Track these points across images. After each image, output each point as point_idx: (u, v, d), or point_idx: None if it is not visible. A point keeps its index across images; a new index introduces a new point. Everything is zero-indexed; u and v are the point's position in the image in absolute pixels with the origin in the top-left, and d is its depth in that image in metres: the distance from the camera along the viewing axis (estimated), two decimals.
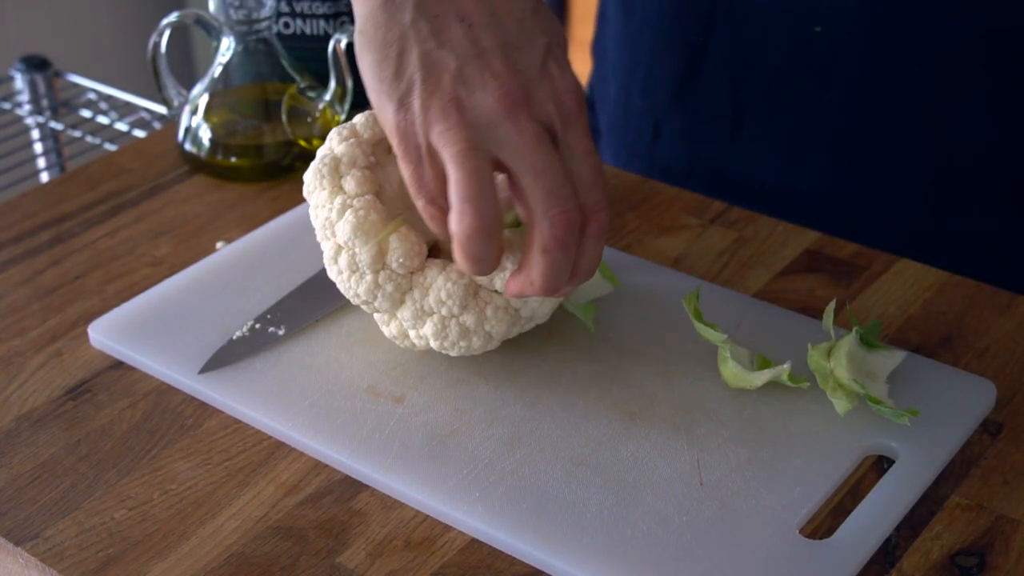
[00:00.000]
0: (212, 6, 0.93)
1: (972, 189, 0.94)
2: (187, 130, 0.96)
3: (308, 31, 1.00)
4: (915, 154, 0.94)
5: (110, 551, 0.65)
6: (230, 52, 0.95)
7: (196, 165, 0.96)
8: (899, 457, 0.69)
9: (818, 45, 0.93)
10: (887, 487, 0.67)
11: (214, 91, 0.96)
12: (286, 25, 1.00)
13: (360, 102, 1.01)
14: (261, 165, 0.96)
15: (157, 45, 0.94)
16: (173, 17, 0.94)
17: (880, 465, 0.70)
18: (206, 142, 0.96)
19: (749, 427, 0.71)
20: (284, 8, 1.00)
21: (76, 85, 1.32)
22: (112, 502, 0.68)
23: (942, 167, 0.94)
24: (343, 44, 0.93)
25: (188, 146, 0.96)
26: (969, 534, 0.66)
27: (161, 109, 1.25)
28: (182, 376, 0.76)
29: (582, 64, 2.61)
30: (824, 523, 0.66)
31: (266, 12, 0.94)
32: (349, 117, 0.93)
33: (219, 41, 0.95)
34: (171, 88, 0.96)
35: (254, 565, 0.65)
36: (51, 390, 0.76)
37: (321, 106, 0.95)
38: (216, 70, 0.95)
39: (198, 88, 0.96)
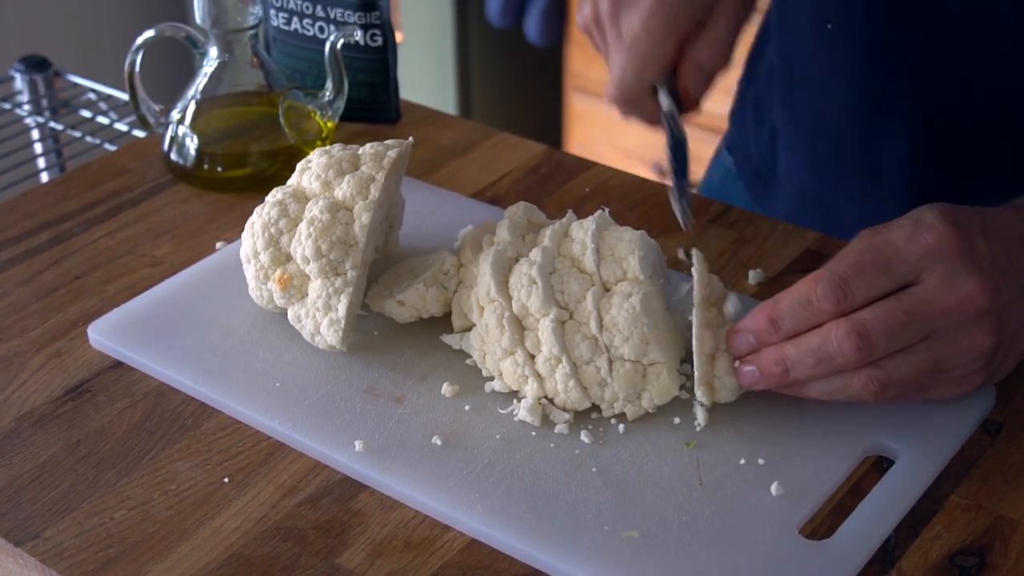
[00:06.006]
0: (197, 16, 0.92)
1: (975, 186, 0.93)
2: (172, 140, 0.96)
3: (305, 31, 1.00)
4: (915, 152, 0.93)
5: (110, 551, 0.65)
6: (215, 62, 0.94)
7: (181, 175, 0.96)
8: (899, 457, 0.69)
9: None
10: (887, 487, 0.67)
11: (199, 101, 0.95)
12: (287, 22, 1.00)
13: (353, 105, 1.01)
14: (246, 175, 0.95)
15: (132, 64, 0.93)
16: (150, 33, 0.93)
17: (880, 465, 0.69)
18: (191, 152, 0.95)
19: (749, 427, 0.71)
20: (279, 4, 1.00)
21: (76, 85, 1.32)
22: (112, 502, 0.68)
23: (943, 165, 0.93)
24: (340, 44, 0.93)
25: (173, 156, 0.96)
26: (969, 534, 0.66)
27: None
28: (182, 376, 0.76)
29: (583, 63, 2.61)
30: (824, 523, 0.66)
31: (251, 21, 0.93)
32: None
33: (204, 51, 0.94)
34: (147, 108, 0.96)
35: (254, 565, 0.65)
36: (51, 390, 0.76)
37: (319, 109, 0.95)
38: (201, 81, 0.95)
39: (183, 98, 0.96)
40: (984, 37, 0.86)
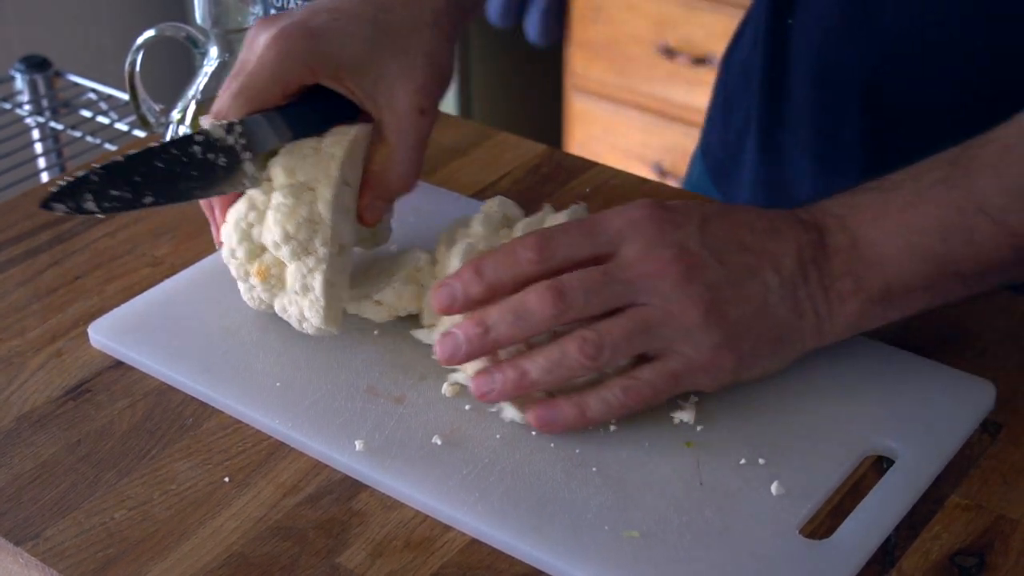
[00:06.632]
0: (198, 16, 0.92)
1: None
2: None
3: None
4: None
5: (110, 551, 0.65)
6: (215, 62, 0.94)
7: None
8: (899, 457, 0.69)
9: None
10: (887, 487, 0.67)
11: (199, 101, 0.95)
12: None
13: None
14: None
15: (133, 64, 0.93)
16: (151, 33, 0.93)
17: (880, 465, 0.70)
18: None
19: (749, 427, 0.71)
20: (280, 4, 1.00)
21: (76, 85, 1.33)
22: (112, 502, 0.68)
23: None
24: None
25: None
26: (969, 534, 0.66)
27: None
28: (182, 376, 0.76)
29: (583, 63, 2.61)
30: (824, 523, 0.66)
31: (251, 21, 0.93)
32: None
33: (204, 51, 0.94)
34: (148, 108, 0.95)
35: (254, 565, 0.65)
36: (51, 390, 0.76)
37: None
38: (201, 81, 0.95)
39: (183, 98, 0.95)
40: (937, 27, 0.87)
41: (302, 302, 0.75)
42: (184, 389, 0.76)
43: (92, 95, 1.31)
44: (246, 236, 0.75)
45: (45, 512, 0.68)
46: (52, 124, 1.30)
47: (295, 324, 0.76)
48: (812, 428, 0.71)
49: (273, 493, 0.69)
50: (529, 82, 2.57)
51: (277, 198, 0.74)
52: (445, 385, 0.74)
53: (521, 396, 0.70)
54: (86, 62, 2.09)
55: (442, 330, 0.74)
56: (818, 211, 0.72)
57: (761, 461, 0.69)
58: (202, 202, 0.79)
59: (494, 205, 0.79)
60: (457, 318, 0.72)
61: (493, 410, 0.72)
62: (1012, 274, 0.72)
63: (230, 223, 0.76)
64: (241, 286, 0.78)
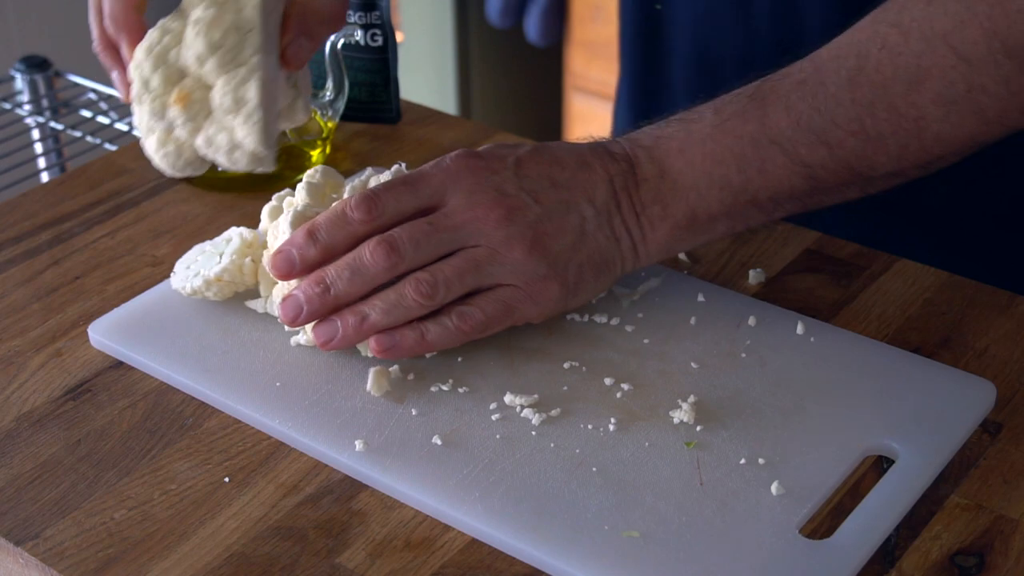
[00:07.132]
0: None
1: (970, 187, 0.93)
2: None
3: None
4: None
5: (110, 551, 0.65)
6: None
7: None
8: (899, 457, 0.69)
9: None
10: (887, 487, 0.67)
11: None
12: None
13: (353, 105, 1.01)
14: (246, 174, 0.95)
15: None
16: None
17: (880, 465, 0.70)
18: None
19: (749, 427, 0.71)
20: None
21: (76, 85, 1.32)
22: (112, 502, 0.68)
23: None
24: (340, 44, 0.93)
25: None
26: (969, 534, 0.66)
27: None
28: (182, 376, 0.76)
29: (583, 63, 2.61)
30: (824, 523, 0.66)
31: None
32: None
33: None
34: None
35: (254, 565, 0.65)
36: (51, 390, 0.76)
37: (319, 108, 0.95)
38: None
39: None
40: (808, 6, 0.89)
41: (233, 122, 0.68)
42: (184, 389, 0.76)
43: (92, 95, 1.30)
44: (161, 60, 0.68)
45: (45, 512, 0.68)
46: (52, 124, 1.30)
47: (224, 159, 0.70)
48: (812, 428, 0.71)
49: (273, 493, 0.69)
50: (529, 82, 2.57)
51: (197, 12, 0.68)
52: (445, 384, 0.74)
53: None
54: (86, 62, 2.09)
55: (278, 297, 0.75)
56: (628, 143, 0.76)
57: (761, 461, 0.69)
58: (99, 47, 0.75)
59: (316, 174, 0.80)
60: (293, 283, 0.74)
61: (493, 411, 0.72)
62: (808, 202, 0.76)
63: (140, 54, 0.68)
64: (152, 145, 0.70)
